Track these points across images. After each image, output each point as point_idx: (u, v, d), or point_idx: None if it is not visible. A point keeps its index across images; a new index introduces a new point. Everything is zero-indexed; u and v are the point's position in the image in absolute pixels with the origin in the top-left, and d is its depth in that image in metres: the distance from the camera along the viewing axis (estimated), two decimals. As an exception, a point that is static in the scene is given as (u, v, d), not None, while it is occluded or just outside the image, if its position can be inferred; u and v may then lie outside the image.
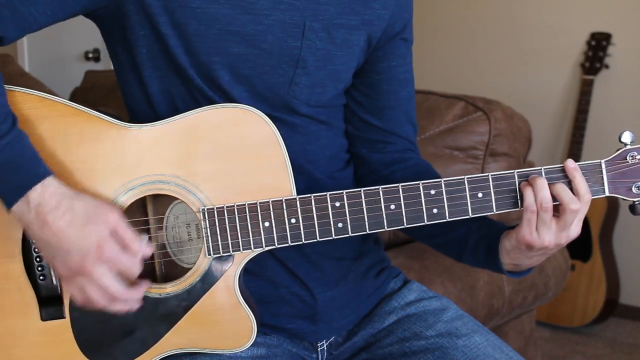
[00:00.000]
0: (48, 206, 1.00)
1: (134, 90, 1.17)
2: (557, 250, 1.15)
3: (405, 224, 1.11)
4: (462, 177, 1.11)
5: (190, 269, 1.10)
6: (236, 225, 1.09)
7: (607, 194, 1.12)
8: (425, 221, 1.11)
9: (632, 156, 1.11)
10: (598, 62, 3.43)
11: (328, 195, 1.09)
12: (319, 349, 1.27)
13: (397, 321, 1.28)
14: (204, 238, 1.09)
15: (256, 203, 1.09)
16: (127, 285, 1.04)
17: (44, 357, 1.10)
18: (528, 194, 1.09)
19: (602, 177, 1.11)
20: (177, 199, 1.10)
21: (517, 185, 1.11)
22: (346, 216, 1.10)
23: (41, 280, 1.09)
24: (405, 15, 1.27)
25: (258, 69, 1.14)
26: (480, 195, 1.11)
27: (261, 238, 1.09)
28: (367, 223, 1.10)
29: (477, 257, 1.21)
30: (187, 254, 1.13)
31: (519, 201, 1.11)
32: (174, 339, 1.11)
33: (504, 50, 3.74)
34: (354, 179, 1.31)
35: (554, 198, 1.09)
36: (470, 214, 1.11)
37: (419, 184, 1.10)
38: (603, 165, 1.11)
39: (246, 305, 1.11)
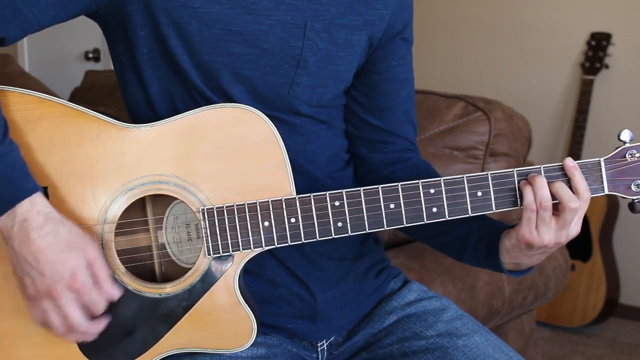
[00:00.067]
0: (34, 224, 1.00)
1: (134, 91, 1.17)
2: (557, 249, 1.15)
3: (404, 223, 1.11)
4: (462, 175, 1.11)
5: (190, 269, 1.10)
6: (236, 225, 1.09)
7: (606, 192, 1.12)
8: (425, 220, 1.11)
9: (631, 154, 1.11)
10: (598, 62, 3.43)
11: (327, 194, 1.09)
12: (319, 349, 1.27)
13: (397, 321, 1.28)
14: (204, 238, 1.09)
15: (256, 203, 1.09)
16: (88, 319, 1.05)
17: (44, 357, 1.10)
18: (527, 192, 1.09)
19: (602, 175, 1.11)
20: (176, 199, 1.10)
21: (516, 184, 1.11)
22: (346, 215, 1.10)
23: (41, 280, 1.09)
24: (406, 15, 1.27)
25: (259, 69, 1.14)
26: (479, 194, 1.11)
27: (261, 238, 1.09)
28: (366, 222, 1.10)
29: (478, 256, 1.21)
30: (187, 254, 1.13)
31: (518, 200, 1.11)
32: (174, 339, 1.11)
33: (504, 50, 3.74)
34: (354, 179, 1.31)
35: (554, 196, 1.09)
36: (469, 213, 1.11)
37: (418, 183, 1.10)
38: (602, 164, 1.11)
39: (246, 305, 1.11)
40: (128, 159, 1.08)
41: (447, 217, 1.11)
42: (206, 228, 1.09)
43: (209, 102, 1.13)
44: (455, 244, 1.25)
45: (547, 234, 1.09)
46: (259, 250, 1.10)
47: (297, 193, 1.10)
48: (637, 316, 3.50)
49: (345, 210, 1.10)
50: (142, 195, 1.09)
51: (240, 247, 1.09)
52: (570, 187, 1.09)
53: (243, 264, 1.11)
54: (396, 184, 1.10)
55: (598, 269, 3.31)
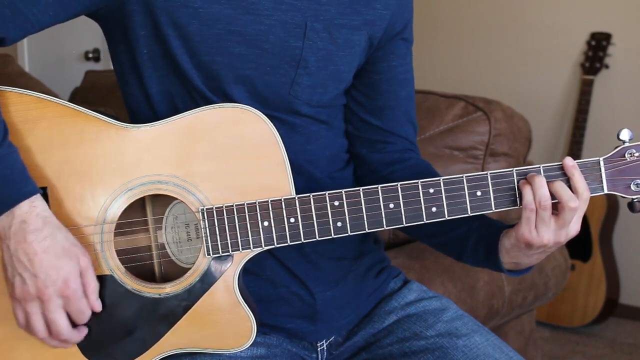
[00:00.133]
0: (32, 226, 1.01)
1: (134, 91, 1.17)
2: (556, 249, 1.15)
3: (404, 223, 1.11)
4: (461, 175, 1.10)
5: (190, 269, 1.10)
6: (235, 225, 1.09)
7: (605, 191, 1.12)
8: (425, 220, 1.11)
9: (630, 154, 1.11)
10: (598, 62, 3.43)
11: (327, 194, 1.09)
12: (318, 349, 1.27)
13: (397, 321, 1.28)
14: (203, 238, 1.09)
15: (255, 203, 1.09)
16: (70, 327, 1.05)
17: (43, 358, 1.10)
18: (527, 192, 1.09)
19: (601, 174, 1.11)
20: (176, 199, 1.10)
21: (515, 183, 1.11)
22: (345, 215, 1.10)
23: (40, 280, 1.09)
24: (406, 15, 1.27)
25: (260, 69, 1.14)
26: (479, 193, 1.11)
27: (260, 238, 1.09)
28: (366, 222, 1.10)
29: (477, 256, 1.21)
30: (187, 254, 1.13)
31: (517, 199, 1.11)
32: (174, 339, 1.11)
33: (504, 50, 3.74)
34: (353, 179, 1.31)
35: (553, 196, 1.09)
36: (469, 213, 1.11)
37: (417, 182, 1.10)
38: (601, 163, 1.11)
39: (245, 305, 1.11)
40: (127, 159, 1.08)
41: (446, 216, 1.11)
42: (206, 228, 1.09)
43: (209, 102, 1.13)
44: (455, 244, 1.25)
45: (547, 234, 1.09)
46: (259, 250, 1.10)
47: (297, 193, 1.10)
48: (637, 316, 3.50)
49: (344, 210, 1.09)
50: (141, 195, 1.09)
51: (240, 247, 1.09)
52: (570, 187, 1.09)
53: (242, 264, 1.11)
54: (395, 183, 1.10)
55: (598, 269, 3.31)
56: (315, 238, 1.10)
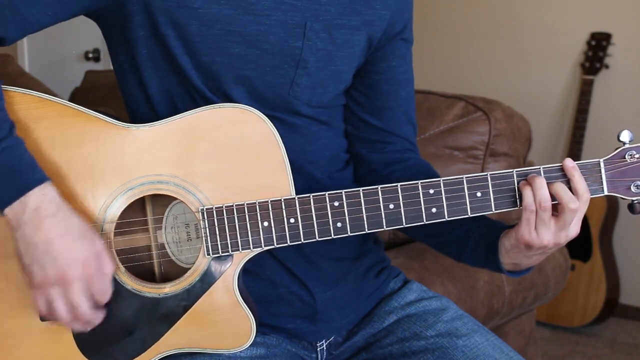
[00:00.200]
0: (46, 211, 1.01)
1: (134, 91, 1.17)
2: (556, 250, 1.15)
3: (404, 224, 1.11)
4: (461, 176, 1.10)
5: (190, 268, 1.10)
6: (235, 225, 1.09)
7: (605, 193, 1.12)
8: (424, 221, 1.11)
9: (630, 155, 1.11)
10: (598, 62, 3.43)
11: (327, 195, 1.09)
12: (318, 349, 1.27)
13: (397, 321, 1.28)
14: (203, 238, 1.09)
15: (255, 203, 1.09)
16: (91, 307, 1.05)
17: (44, 356, 1.10)
18: (527, 193, 1.09)
19: (601, 176, 1.11)
20: (176, 199, 1.10)
21: (516, 184, 1.11)
22: (345, 216, 1.10)
23: (40, 280, 1.09)
24: (406, 15, 1.27)
25: (259, 69, 1.14)
26: (479, 194, 1.11)
27: (260, 238, 1.09)
28: (366, 223, 1.10)
29: (477, 256, 1.21)
30: (187, 254, 1.13)
31: (517, 200, 1.11)
32: (173, 339, 1.11)
33: (503, 49, 3.74)
34: (353, 179, 1.31)
35: (553, 197, 1.09)
36: (469, 214, 1.11)
37: (417, 183, 1.10)
38: (602, 164, 1.11)
39: (245, 305, 1.11)
40: (128, 158, 1.08)
41: (446, 217, 1.11)
42: (205, 228, 1.09)
43: (209, 102, 1.13)
44: (455, 244, 1.25)
45: (547, 235, 1.09)
46: (258, 250, 1.10)
47: (297, 193, 1.10)
48: (637, 316, 3.50)
49: (344, 211, 1.09)
50: (141, 195, 1.09)
51: (240, 247, 1.09)
52: (570, 188, 1.09)
53: (242, 264, 1.11)
54: (396, 184, 1.10)
55: (598, 269, 3.32)
56: (315, 238, 1.10)
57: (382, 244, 1.38)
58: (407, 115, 1.32)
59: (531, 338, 2.21)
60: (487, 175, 1.11)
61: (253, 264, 1.15)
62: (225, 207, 1.08)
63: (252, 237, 1.09)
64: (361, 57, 1.23)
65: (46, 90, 2.57)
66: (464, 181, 1.10)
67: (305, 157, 1.20)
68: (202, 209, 1.08)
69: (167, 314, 1.10)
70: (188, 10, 1.10)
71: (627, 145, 1.11)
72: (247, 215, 1.09)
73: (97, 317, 1.07)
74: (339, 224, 1.10)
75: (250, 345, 1.12)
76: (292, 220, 1.09)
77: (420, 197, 1.10)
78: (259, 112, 1.09)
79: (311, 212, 1.09)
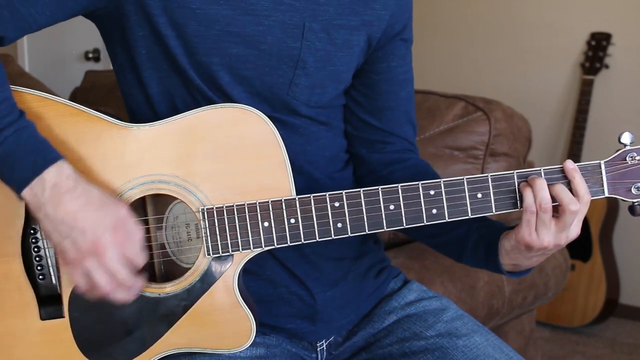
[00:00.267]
0: (65, 187, 1.01)
1: (134, 91, 1.17)
2: (556, 251, 1.15)
3: (404, 225, 1.11)
4: (462, 177, 1.10)
5: (190, 268, 1.10)
6: (235, 225, 1.09)
7: (606, 194, 1.12)
8: (425, 222, 1.11)
9: (631, 157, 1.11)
10: (598, 62, 3.43)
11: (327, 195, 1.09)
12: (318, 349, 1.27)
13: (397, 321, 1.28)
14: (203, 238, 1.09)
15: (255, 203, 1.09)
16: (130, 273, 1.04)
17: (44, 356, 1.10)
18: (527, 194, 1.09)
19: (602, 177, 1.11)
20: (176, 199, 1.10)
21: (516, 185, 1.11)
22: (345, 216, 1.10)
23: (40, 279, 1.09)
24: (405, 15, 1.27)
25: (258, 69, 1.14)
26: (479, 195, 1.11)
27: (260, 238, 1.09)
28: (366, 223, 1.10)
29: (477, 257, 1.21)
30: (187, 253, 1.13)
31: (518, 202, 1.11)
32: (173, 339, 1.11)
33: (503, 49, 3.74)
34: (353, 179, 1.31)
35: (554, 199, 1.09)
36: (469, 215, 1.11)
37: (418, 184, 1.10)
38: (602, 166, 1.11)
39: (245, 305, 1.11)
40: (128, 158, 1.08)
41: (446, 218, 1.11)
42: (206, 228, 1.09)
43: (209, 102, 1.13)
44: (455, 245, 1.25)
45: (547, 236, 1.09)
46: (259, 250, 1.10)
47: (297, 193, 1.10)
48: (637, 316, 3.50)
49: (345, 211, 1.09)
50: (142, 195, 1.09)
51: (240, 247, 1.09)
52: (571, 190, 1.09)
53: (242, 264, 1.11)
54: (396, 185, 1.10)
55: (598, 269, 3.32)
56: (316, 239, 1.10)
57: (382, 244, 1.38)
58: (406, 116, 1.31)
59: (531, 338, 2.22)
60: (487, 176, 1.11)
61: (253, 264, 1.15)
62: (226, 207, 1.08)
63: (252, 237, 1.09)
64: (360, 58, 1.23)
65: (46, 90, 2.57)
66: (465, 182, 1.10)
67: (305, 158, 1.20)
68: (203, 209, 1.08)
69: (167, 313, 1.10)
70: (187, 10, 1.10)
71: (628, 147, 1.11)
72: (247, 216, 1.09)
73: (138, 283, 1.05)
74: (339, 225, 1.10)
75: (250, 346, 1.12)
76: (292, 221, 1.09)
77: (420, 198, 1.10)
78: (259, 112, 1.09)
79: (312, 212, 1.09)
